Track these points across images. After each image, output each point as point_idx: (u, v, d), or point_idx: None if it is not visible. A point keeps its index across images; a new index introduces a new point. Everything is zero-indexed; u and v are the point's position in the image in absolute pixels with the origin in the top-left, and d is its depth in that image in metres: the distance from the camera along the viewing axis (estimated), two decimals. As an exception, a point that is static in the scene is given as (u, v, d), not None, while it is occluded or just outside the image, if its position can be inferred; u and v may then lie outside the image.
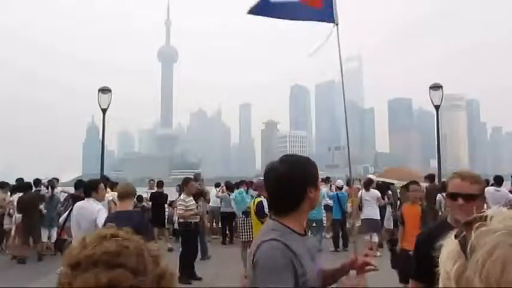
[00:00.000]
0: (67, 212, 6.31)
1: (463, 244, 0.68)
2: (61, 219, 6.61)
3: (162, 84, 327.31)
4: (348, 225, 12.36)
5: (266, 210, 6.83)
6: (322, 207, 12.01)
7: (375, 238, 10.61)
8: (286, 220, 1.76)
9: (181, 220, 8.24)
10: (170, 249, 10.03)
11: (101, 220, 5.34)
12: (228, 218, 12.60)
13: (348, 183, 13.80)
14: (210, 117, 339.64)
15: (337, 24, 5.31)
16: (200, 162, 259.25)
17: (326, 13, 5.36)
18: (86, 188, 5.92)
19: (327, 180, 14.08)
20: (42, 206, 10.28)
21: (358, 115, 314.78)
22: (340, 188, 12.05)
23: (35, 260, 9.75)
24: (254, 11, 5.47)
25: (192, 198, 8.32)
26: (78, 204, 5.81)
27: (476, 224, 0.67)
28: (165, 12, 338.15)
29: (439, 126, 15.29)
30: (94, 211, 5.45)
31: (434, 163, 17.80)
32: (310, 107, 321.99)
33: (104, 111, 13.81)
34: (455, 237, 0.71)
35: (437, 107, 14.45)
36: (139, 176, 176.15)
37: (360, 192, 10.95)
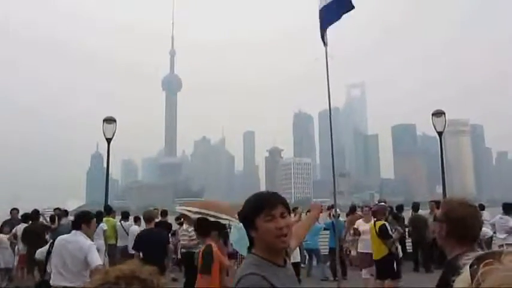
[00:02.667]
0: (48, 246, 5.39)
1: (473, 276, 0.71)
2: (38, 255, 5.46)
3: (166, 112, 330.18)
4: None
5: (390, 232, 8.00)
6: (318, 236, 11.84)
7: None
8: (262, 253, 1.86)
9: (184, 250, 8.19)
10: (174, 279, 9.92)
11: (93, 258, 4.67)
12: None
13: (352, 210, 13.75)
14: (213, 145, 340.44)
15: (325, 45, 6.04)
16: (204, 190, 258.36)
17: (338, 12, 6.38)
18: (76, 219, 5.14)
19: (331, 207, 13.96)
20: (47, 236, 10.20)
21: (362, 141, 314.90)
22: (336, 217, 11.98)
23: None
24: (325, 25, 6.24)
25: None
26: (63, 238, 5.01)
27: (488, 260, 0.70)
28: (169, 42, 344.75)
29: (443, 152, 15.25)
30: (84, 247, 4.74)
31: (440, 189, 17.65)
32: (314, 134, 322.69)
33: (109, 140, 13.90)
34: (470, 266, 0.75)
35: (440, 134, 14.46)
36: (143, 205, 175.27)
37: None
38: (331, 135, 7.00)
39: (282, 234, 1.81)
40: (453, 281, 0.81)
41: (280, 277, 1.79)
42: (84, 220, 5.00)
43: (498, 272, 0.67)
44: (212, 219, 5.33)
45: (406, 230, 12.81)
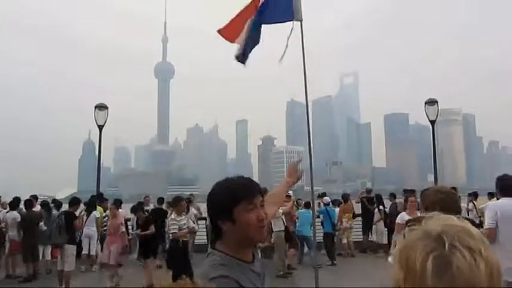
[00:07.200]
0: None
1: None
2: None
3: (158, 100, 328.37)
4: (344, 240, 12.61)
5: None
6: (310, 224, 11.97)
7: None
8: (230, 249, 1.63)
9: (172, 238, 8.23)
10: (159, 266, 9.99)
11: None
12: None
13: (345, 198, 13.83)
14: (206, 133, 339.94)
15: (300, 21, 5.50)
16: (196, 178, 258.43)
17: (285, 13, 5.57)
18: None
19: (322, 195, 14.07)
20: (41, 223, 10.31)
21: (354, 130, 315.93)
22: (327, 204, 12.26)
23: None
24: (242, 59, 5.60)
25: (183, 217, 8.29)
26: None
27: (413, 223, 0.91)
28: (162, 29, 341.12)
29: (435, 140, 15.34)
30: None
31: (431, 177, 17.85)
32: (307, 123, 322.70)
33: (101, 127, 13.79)
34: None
35: (432, 122, 14.51)
36: (135, 192, 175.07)
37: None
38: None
39: (262, 225, 1.64)
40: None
41: (250, 276, 1.62)
42: None
43: (415, 230, 0.86)
44: None
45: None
